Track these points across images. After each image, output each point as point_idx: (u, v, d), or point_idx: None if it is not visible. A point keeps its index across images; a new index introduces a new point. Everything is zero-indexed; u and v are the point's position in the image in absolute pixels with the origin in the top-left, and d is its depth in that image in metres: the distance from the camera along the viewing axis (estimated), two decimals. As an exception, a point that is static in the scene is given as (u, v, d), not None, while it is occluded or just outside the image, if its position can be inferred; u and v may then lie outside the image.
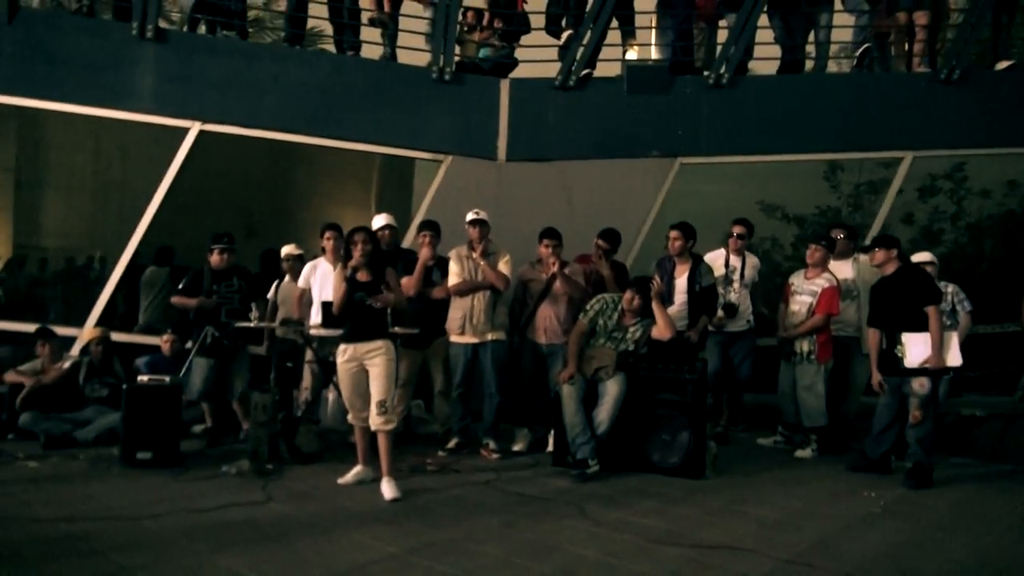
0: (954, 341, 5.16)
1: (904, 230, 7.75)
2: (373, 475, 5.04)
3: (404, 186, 8.26)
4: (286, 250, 6.70)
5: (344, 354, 4.88)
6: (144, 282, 7.34)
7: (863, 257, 6.46)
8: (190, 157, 7.03)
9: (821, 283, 6.01)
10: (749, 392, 6.86)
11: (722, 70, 7.41)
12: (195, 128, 7.02)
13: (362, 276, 4.82)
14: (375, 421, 4.82)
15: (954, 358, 5.15)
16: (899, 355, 5.26)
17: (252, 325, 5.85)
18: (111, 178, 8.06)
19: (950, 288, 6.06)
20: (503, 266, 5.90)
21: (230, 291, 6.01)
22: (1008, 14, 7.95)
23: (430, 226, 6.10)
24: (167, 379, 5.50)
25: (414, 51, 7.56)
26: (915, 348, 5.18)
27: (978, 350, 6.07)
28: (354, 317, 4.84)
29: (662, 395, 5.52)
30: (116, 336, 6.58)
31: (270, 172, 8.10)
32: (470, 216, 5.95)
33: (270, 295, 6.64)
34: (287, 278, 6.66)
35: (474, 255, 5.90)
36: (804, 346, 6.02)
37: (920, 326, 5.17)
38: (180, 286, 6.01)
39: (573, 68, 7.32)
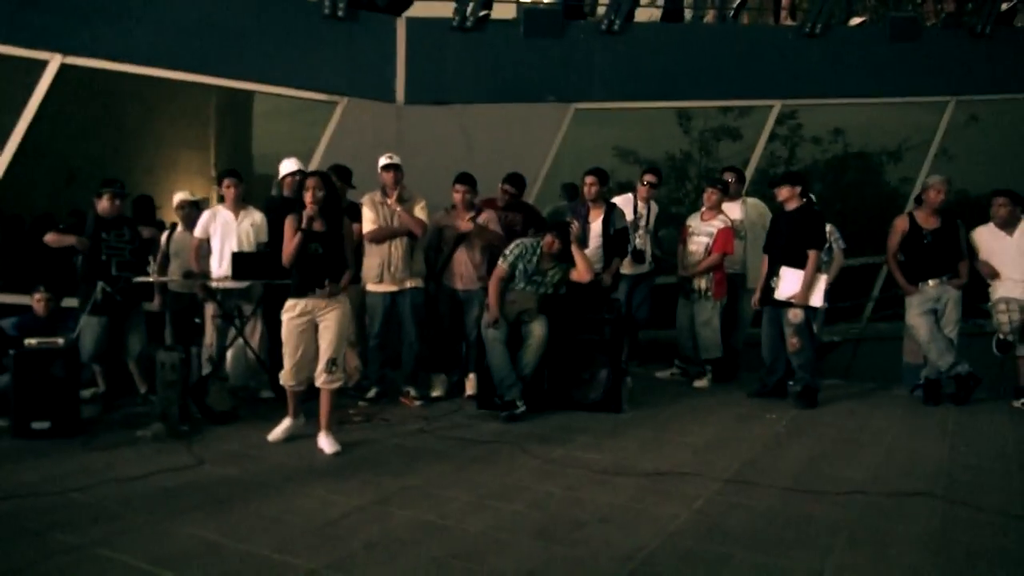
0: (822, 284, 5.63)
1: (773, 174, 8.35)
2: (303, 428, 4.92)
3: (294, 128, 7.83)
4: (179, 197, 6.18)
5: (293, 309, 4.65)
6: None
7: (750, 200, 6.97)
8: (50, 95, 6.26)
9: (717, 224, 6.40)
10: (644, 329, 7.27)
11: (613, 16, 7.55)
12: (55, 61, 6.25)
13: (316, 226, 4.60)
14: (322, 378, 4.67)
15: (817, 299, 5.64)
16: (772, 286, 5.76)
17: (152, 279, 5.43)
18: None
19: (827, 228, 6.65)
20: (419, 212, 5.81)
21: (121, 241, 5.52)
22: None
23: (337, 172, 5.86)
24: (60, 341, 5.00)
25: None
26: (787, 283, 5.66)
27: (849, 281, 6.72)
28: (306, 269, 4.63)
29: (581, 335, 5.74)
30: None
31: (140, 112, 7.37)
32: (384, 161, 5.78)
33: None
34: (179, 227, 6.18)
35: (389, 201, 5.77)
36: (702, 284, 6.43)
37: (800, 264, 5.65)
38: (60, 226, 5.43)
39: (470, 8, 7.17)
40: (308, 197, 4.58)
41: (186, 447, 4.67)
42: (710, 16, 8.51)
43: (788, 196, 5.76)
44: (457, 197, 5.95)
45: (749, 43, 8.14)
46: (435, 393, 6.07)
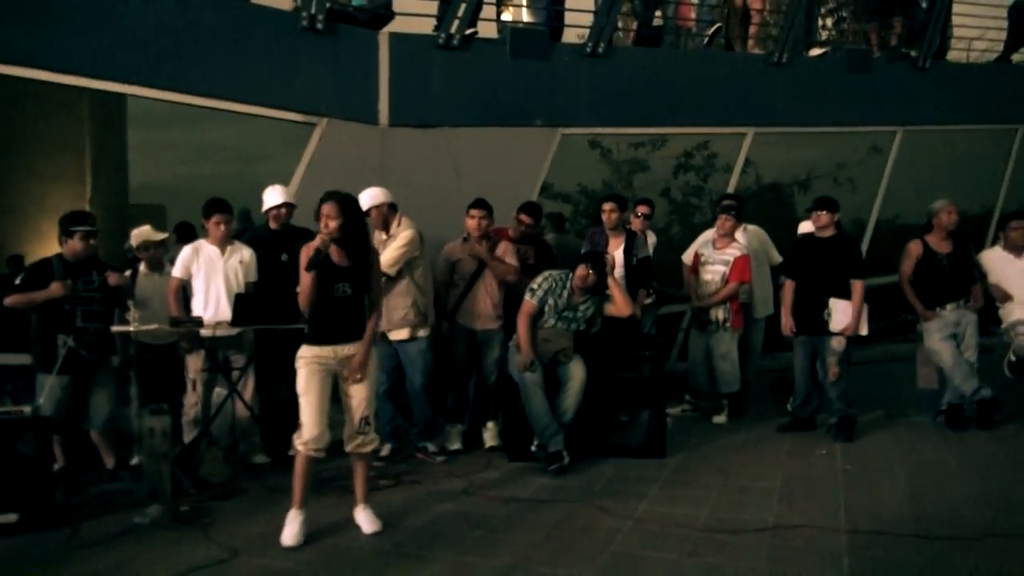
0: (865, 313, 5.57)
1: (750, 203, 8.29)
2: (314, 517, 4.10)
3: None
4: (143, 234, 5.25)
5: (311, 360, 3.86)
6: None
7: (751, 227, 6.81)
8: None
9: (733, 252, 6.17)
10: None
11: (597, 39, 7.26)
12: (-16, 71, 5.23)
13: (339, 259, 3.85)
14: (355, 441, 3.92)
15: (864, 328, 5.57)
16: (826, 318, 5.57)
17: (132, 330, 4.53)
18: None
19: None
20: (399, 245, 5.06)
21: (89, 288, 4.58)
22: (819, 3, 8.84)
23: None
24: (26, 409, 4.03)
25: (270, -10, 6.35)
26: (839, 314, 5.52)
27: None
28: (330, 314, 3.86)
29: (619, 374, 5.30)
30: None
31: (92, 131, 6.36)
32: (368, 203, 5.05)
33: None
34: (142, 268, 5.25)
35: (383, 237, 5.12)
36: (719, 314, 6.16)
37: (843, 293, 5.51)
38: (17, 281, 4.44)
39: (455, 26, 6.67)
40: (322, 227, 3.80)
41: (202, 534, 3.84)
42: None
43: (828, 222, 5.60)
44: (472, 224, 5.40)
45: (724, 70, 8.07)
46: (454, 446, 5.43)
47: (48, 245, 6.29)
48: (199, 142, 7.58)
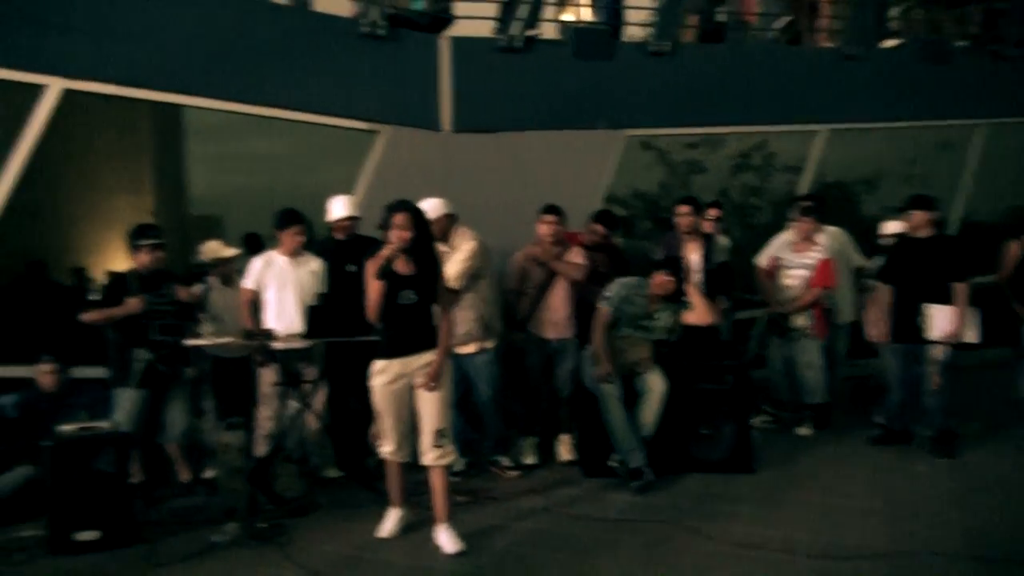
0: (974, 318, 5.20)
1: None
2: (411, 516, 4.07)
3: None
4: (213, 250, 5.19)
5: (386, 372, 3.83)
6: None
7: (831, 228, 6.50)
8: (57, 123, 5.25)
9: (815, 255, 5.87)
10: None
11: (662, 36, 7.04)
12: (56, 85, 5.24)
13: (404, 268, 3.77)
14: (431, 455, 3.84)
15: (972, 335, 5.21)
16: (921, 324, 5.25)
17: (205, 343, 4.47)
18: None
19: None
20: (455, 264, 4.89)
21: (164, 302, 4.54)
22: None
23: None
24: (105, 424, 3.99)
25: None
26: (939, 320, 5.18)
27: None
28: (397, 324, 3.80)
29: (700, 385, 5.07)
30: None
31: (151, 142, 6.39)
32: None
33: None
34: (213, 282, 5.20)
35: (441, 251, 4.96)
36: (802, 321, 5.86)
37: (943, 297, 5.18)
38: (94, 297, 4.42)
39: (517, 27, 6.51)
40: (393, 236, 3.73)
41: (281, 553, 3.73)
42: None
43: (922, 222, 5.28)
44: (544, 230, 5.21)
45: (795, 65, 7.76)
46: (528, 460, 5.25)
47: (110, 257, 6.35)
48: (254, 153, 7.58)
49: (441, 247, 4.97)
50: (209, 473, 4.94)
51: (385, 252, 3.72)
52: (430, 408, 3.83)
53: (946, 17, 8.69)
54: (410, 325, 3.81)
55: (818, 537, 3.77)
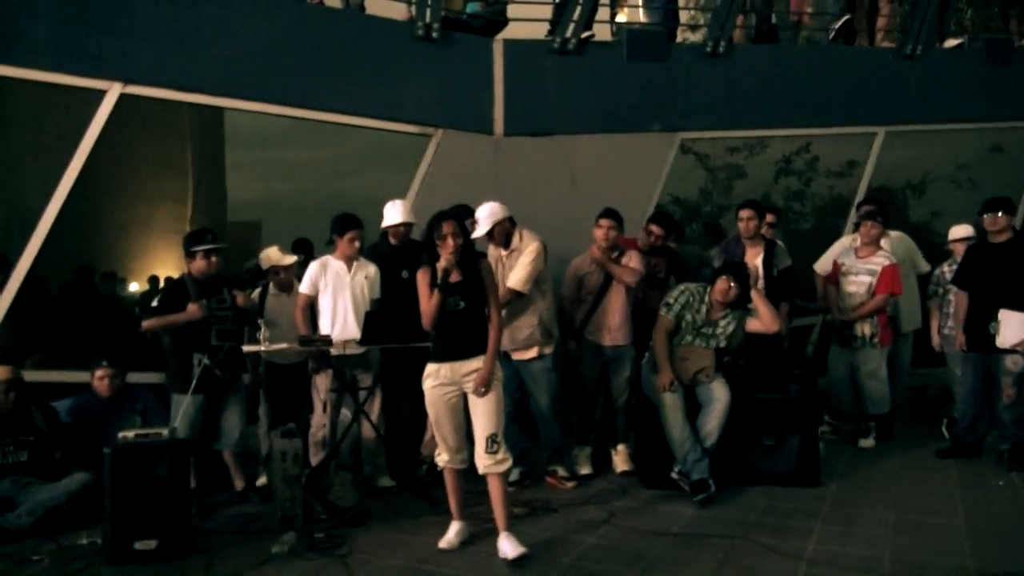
0: None
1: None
2: (472, 528, 3.99)
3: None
4: (271, 258, 5.15)
5: (435, 377, 3.81)
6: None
7: (894, 233, 6.29)
8: (108, 128, 5.27)
9: (880, 261, 5.67)
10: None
11: (718, 37, 6.88)
12: (115, 90, 5.27)
13: (453, 277, 3.76)
14: (485, 461, 3.77)
15: None
16: (992, 332, 5.03)
17: (263, 349, 4.43)
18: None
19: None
20: (527, 261, 4.78)
21: (222, 307, 4.51)
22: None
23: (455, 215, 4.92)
24: (164, 431, 3.95)
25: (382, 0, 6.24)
26: (1011, 327, 4.96)
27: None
28: (448, 329, 3.79)
29: (763, 395, 4.90)
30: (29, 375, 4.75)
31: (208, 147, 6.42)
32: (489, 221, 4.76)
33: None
34: (271, 288, 5.17)
35: (503, 255, 4.87)
36: (866, 329, 5.66)
37: (1020, 304, 4.95)
38: (155, 303, 4.41)
39: (571, 29, 6.41)
40: (446, 246, 3.72)
41: (341, 566, 3.66)
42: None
43: (1001, 225, 5.07)
44: (600, 234, 5.09)
45: (852, 66, 7.55)
46: (584, 471, 5.13)
47: (153, 264, 6.38)
48: (293, 159, 7.57)
49: (500, 251, 4.89)
50: (262, 480, 4.92)
51: (443, 263, 3.73)
52: (482, 414, 3.78)
53: (1013, 16, 8.37)
54: (459, 331, 3.79)
55: (898, 555, 3.59)
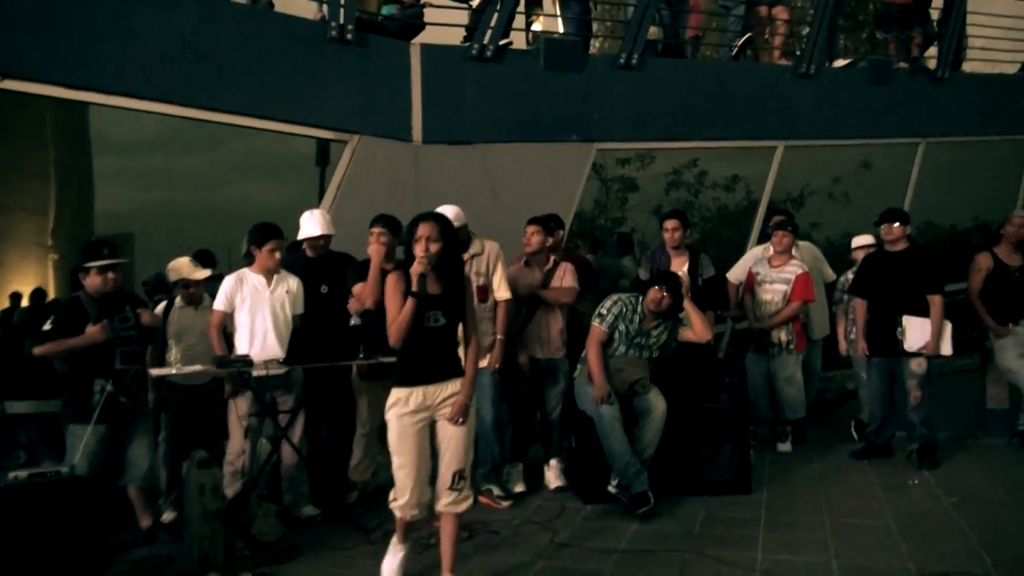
0: (948, 330, 5.26)
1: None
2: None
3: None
4: (181, 270, 4.64)
5: (405, 404, 3.35)
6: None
7: (802, 243, 6.51)
8: None
9: (793, 269, 5.85)
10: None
11: (631, 48, 6.95)
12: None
13: (432, 288, 3.32)
14: (446, 499, 3.38)
15: (947, 347, 5.25)
16: (899, 337, 5.27)
17: (175, 372, 4.02)
18: None
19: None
20: (501, 276, 4.76)
21: (126, 327, 4.06)
22: (842, 16, 8.67)
23: (383, 221, 4.68)
24: (63, 469, 3.49)
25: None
26: (915, 333, 5.22)
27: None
28: (422, 348, 3.35)
29: (697, 404, 4.92)
30: None
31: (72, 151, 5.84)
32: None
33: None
34: (178, 302, 4.71)
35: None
36: (782, 336, 5.83)
37: (919, 310, 5.21)
38: (48, 326, 3.89)
39: (489, 36, 6.29)
40: (419, 249, 3.30)
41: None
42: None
43: (897, 235, 5.31)
44: (536, 241, 4.99)
45: (755, 81, 7.83)
46: (518, 488, 4.97)
47: (10, 280, 5.79)
48: (170, 166, 7.07)
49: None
50: (168, 516, 4.46)
51: (416, 268, 3.26)
52: (453, 445, 3.37)
53: (891, 39, 8.95)
54: (435, 350, 3.37)
55: (847, 561, 3.64)
